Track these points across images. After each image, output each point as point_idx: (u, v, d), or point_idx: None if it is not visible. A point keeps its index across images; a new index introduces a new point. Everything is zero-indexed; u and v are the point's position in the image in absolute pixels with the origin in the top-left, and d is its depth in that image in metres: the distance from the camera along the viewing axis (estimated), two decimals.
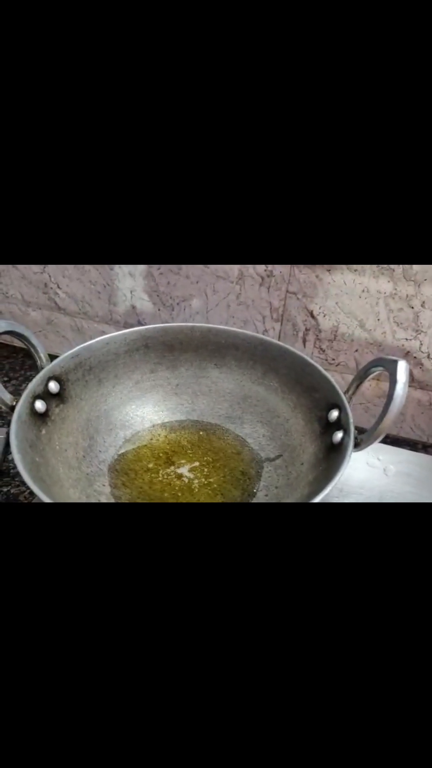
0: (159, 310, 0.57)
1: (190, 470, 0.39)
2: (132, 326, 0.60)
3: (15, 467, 0.48)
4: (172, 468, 0.39)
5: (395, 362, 0.30)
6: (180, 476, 0.38)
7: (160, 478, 0.38)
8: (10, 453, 0.50)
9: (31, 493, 0.45)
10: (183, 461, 0.40)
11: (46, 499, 0.27)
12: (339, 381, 0.51)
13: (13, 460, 0.49)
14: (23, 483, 0.46)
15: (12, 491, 0.46)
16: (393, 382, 0.30)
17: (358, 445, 0.32)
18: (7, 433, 0.51)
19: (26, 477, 0.28)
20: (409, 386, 0.51)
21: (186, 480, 0.38)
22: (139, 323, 0.60)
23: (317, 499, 0.28)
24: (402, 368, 0.30)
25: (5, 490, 0.46)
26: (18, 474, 0.48)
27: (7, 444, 0.50)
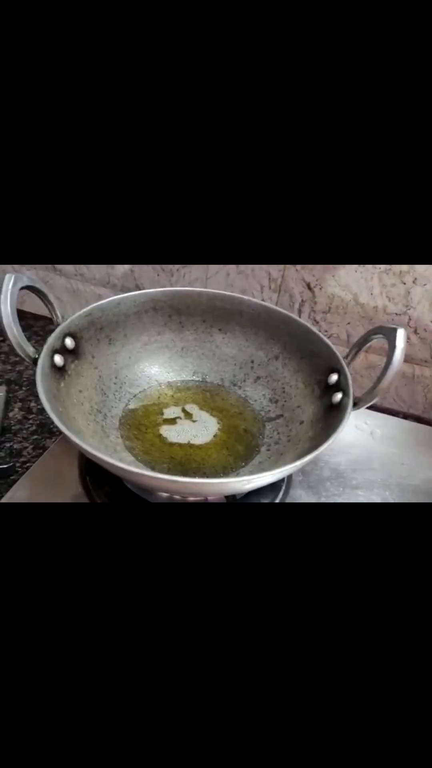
0: (158, 275, 0.58)
1: (197, 427, 0.41)
2: (130, 290, 0.61)
3: (16, 424, 0.49)
4: (179, 424, 0.41)
5: (394, 330, 0.33)
6: (187, 431, 0.41)
7: (168, 433, 0.41)
8: (11, 410, 0.51)
9: (35, 448, 0.46)
10: (189, 420, 0.42)
11: (77, 442, 0.29)
12: None
13: (13, 417, 0.50)
14: (25, 439, 0.48)
15: (15, 446, 0.47)
16: (392, 347, 0.33)
17: (356, 405, 0.35)
18: (6, 392, 0.52)
19: (57, 421, 0.30)
20: None
21: (193, 434, 0.41)
22: (137, 288, 0.61)
23: (317, 453, 0.31)
24: (401, 335, 0.33)
25: (8, 445, 0.47)
26: (20, 430, 0.49)
27: (7, 402, 0.51)
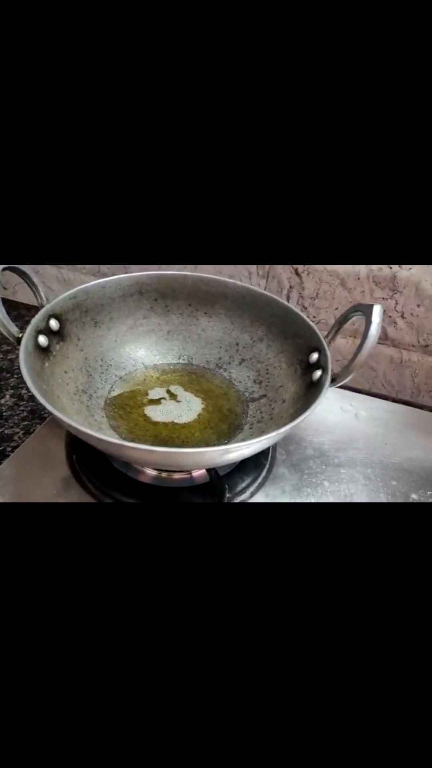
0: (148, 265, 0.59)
1: (181, 407, 0.42)
2: None
3: (7, 411, 0.50)
4: (164, 404, 0.42)
5: (371, 306, 0.34)
6: (171, 412, 0.42)
7: (152, 413, 0.41)
8: (2, 397, 0.52)
9: (25, 434, 0.47)
10: (174, 400, 0.43)
11: (60, 416, 0.29)
12: None
13: (5, 404, 0.51)
14: (16, 425, 0.49)
15: (5, 432, 0.48)
16: (368, 322, 0.34)
17: (334, 380, 0.36)
18: None
19: (40, 398, 0.30)
20: (382, 344, 0.55)
21: (177, 414, 0.41)
22: None
23: (293, 425, 0.31)
24: (377, 311, 0.34)
25: None
26: (11, 416, 0.50)
27: None
